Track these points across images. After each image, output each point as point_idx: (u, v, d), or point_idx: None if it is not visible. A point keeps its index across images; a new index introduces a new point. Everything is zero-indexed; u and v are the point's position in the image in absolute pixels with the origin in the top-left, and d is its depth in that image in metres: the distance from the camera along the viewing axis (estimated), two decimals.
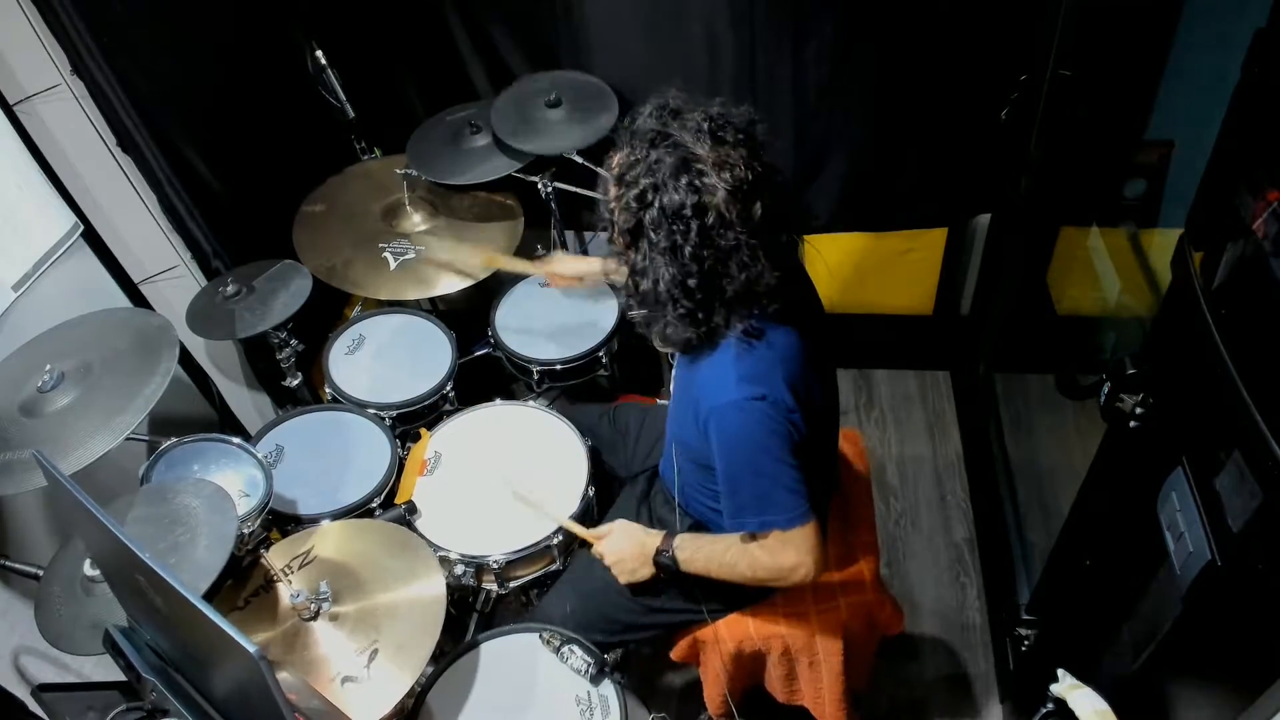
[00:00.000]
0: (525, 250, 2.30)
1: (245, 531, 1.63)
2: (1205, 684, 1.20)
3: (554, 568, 1.85)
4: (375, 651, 1.49)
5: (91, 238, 2.01)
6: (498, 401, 2.08)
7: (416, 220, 2.31)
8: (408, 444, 2.05)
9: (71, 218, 1.95)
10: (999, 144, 2.22)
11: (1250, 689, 1.02)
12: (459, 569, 1.79)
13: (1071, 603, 1.71)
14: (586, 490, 1.86)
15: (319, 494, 1.94)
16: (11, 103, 1.84)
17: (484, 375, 2.34)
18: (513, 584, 1.84)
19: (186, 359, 2.24)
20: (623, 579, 1.62)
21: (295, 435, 2.07)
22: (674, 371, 1.65)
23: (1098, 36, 1.81)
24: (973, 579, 2.42)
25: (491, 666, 1.66)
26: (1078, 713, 1.29)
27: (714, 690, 1.79)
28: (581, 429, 1.97)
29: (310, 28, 2.42)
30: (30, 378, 1.61)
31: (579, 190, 2.25)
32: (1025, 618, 1.97)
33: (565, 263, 2.10)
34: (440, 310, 2.58)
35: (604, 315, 2.28)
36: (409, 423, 2.14)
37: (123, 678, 1.29)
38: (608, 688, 1.61)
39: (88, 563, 1.47)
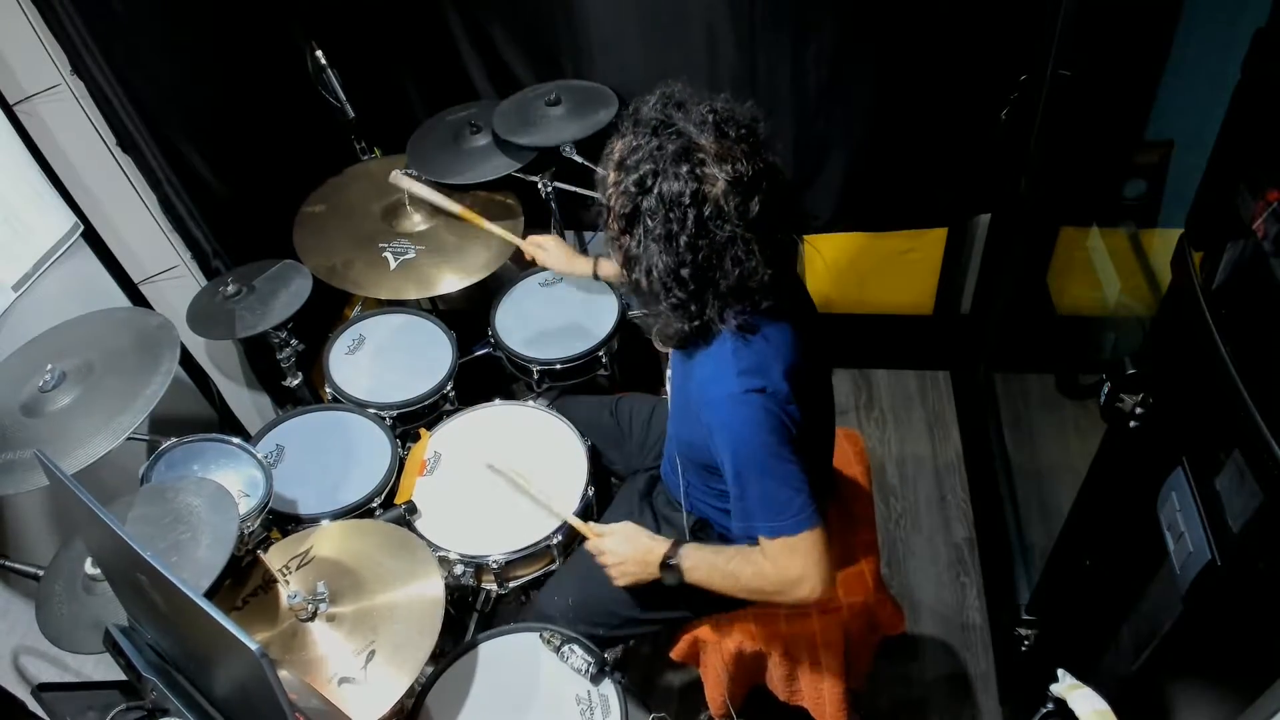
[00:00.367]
0: (530, 261, 2.31)
1: (245, 531, 1.63)
2: (1205, 684, 1.20)
3: (554, 567, 1.85)
4: (373, 652, 1.49)
5: (91, 238, 2.01)
6: (498, 401, 2.08)
7: (416, 220, 2.31)
8: (408, 444, 2.05)
9: (71, 218, 1.96)
10: (999, 144, 2.22)
11: (1250, 689, 1.02)
12: (458, 569, 1.80)
13: (1071, 603, 1.71)
14: (586, 490, 1.86)
15: (319, 494, 1.94)
16: (11, 103, 1.84)
17: (484, 375, 2.34)
18: (512, 584, 1.84)
19: (186, 359, 2.24)
20: (620, 581, 1.60)
21: (295, 435, 2.07)
22: (669, 371, 1.64)
23: (1098, 36, 1.81)
24: (973, 579, 2.42)
25: (491, 666, 1.66)
26: (1078, 713, 1.29)
27: (714, 690, 1.79)
28: (582, 423, 1.97)
29: (310, 28, 2.42)
30: (31, 377, 1.61)
31: (579, 190, 2.25)
32: (1025, 618, 1.97)
33: (555, 255, 2.09)
34: (440, 310, 2.58)
35: (604, 315, 2.28)
36: (409, 423, 2.14)
37: (123, 677, 1.29)
38: (608, 687, 1.61)
39: (88, 562, 1.47)
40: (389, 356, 2.26)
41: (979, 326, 2.65)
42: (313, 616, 1.54)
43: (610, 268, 2.06)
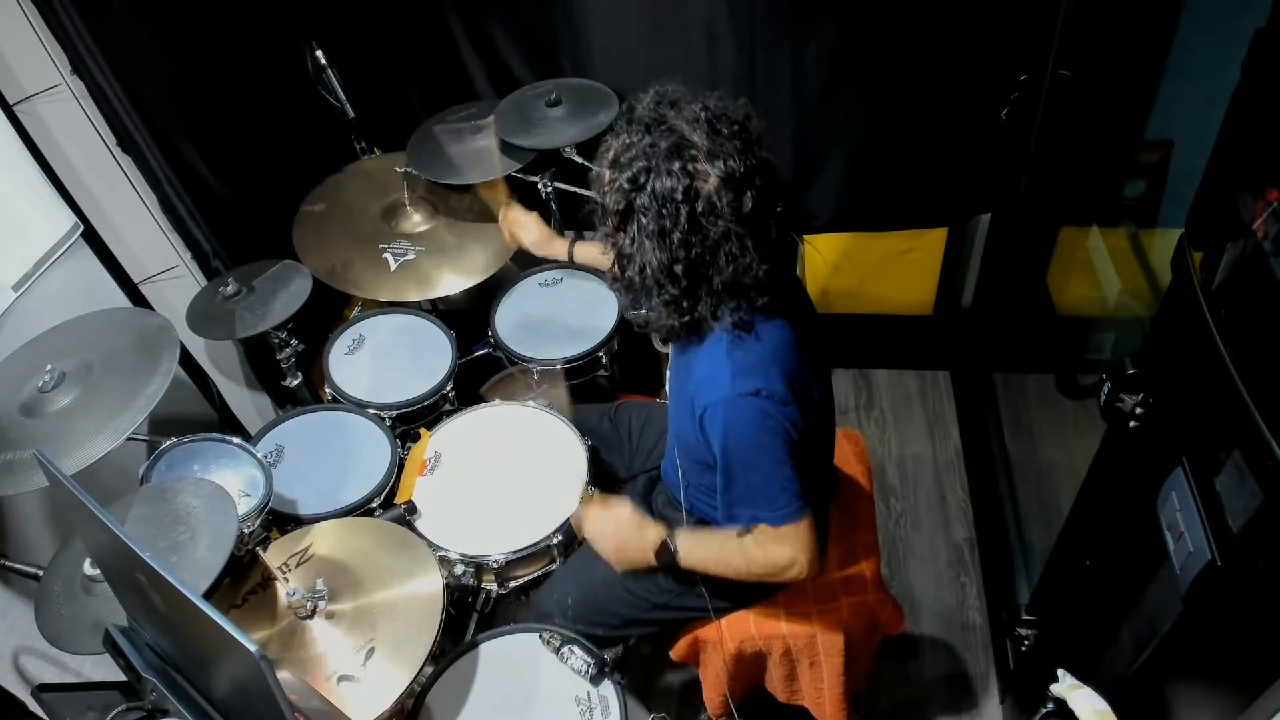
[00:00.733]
0: (530, 262, 2.33)
1: (245, 531, 1.63)
2: (1205, 684, 1.20)
3: (554, 567, 1.85)
4: (372, 650, 1.49)
5: (91, 238, 2.01)
6: (498, 401, 2.08)
7: (416, 220, 2.31)
8: (408, 444, 2.05)
9: (71, 218, 1.96)
10: (999, 144, 2.22)
11: (1250, 689, 1.02)
12: (458, 569, 1.80)
13: (1071, 603, 1.71)
14: (586, 490, 1.86)
15: (319, 494, 1.94)
16: (11, 103, 1.84)
17: (484, 375, 2.34)
18: (512, 584, 1.84)
19: (186, 359, 2.24)
20: (619, 567, 1.59)
21: (295, 435, 2.07)
22: (668, 369, 1.65)
23: (1098, 36, 1.81)
24: (973, 579, 2.42)
25: (491, 667, 1.66)
26: (1078, 713, 1.29)
27: (714, 691, 1.79)
28: (582, 429, 1.98)
29: (310, 28, 2.42)
30: (31, 378, 1.61)
31: (579, 190, 2.25)
32: (1025, 618, 1.97)
33: (530, 231, 2.09)
34: (440, 310, 2.58)
35: (604, 315, 2.28)
36: (409, 423, 2.14)
37: (123, 677, 1.29)
38: (608, 688, 1.61)
39: (88, 562, 1.47)
40: (389, 357, 2.26)
41: (979, 326, 2.65)
42: (312, 614, 1.54)
43: (587, 252, 2.05)
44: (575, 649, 1.63)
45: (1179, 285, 1.20)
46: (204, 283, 2.24)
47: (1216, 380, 1.05)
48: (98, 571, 1.46)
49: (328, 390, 2.18)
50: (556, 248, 2.09)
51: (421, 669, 1.49)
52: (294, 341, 2.18)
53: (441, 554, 1.78)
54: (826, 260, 2.57)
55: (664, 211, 1.29)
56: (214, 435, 1.80)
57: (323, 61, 2.43)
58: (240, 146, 2.29)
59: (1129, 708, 1.27)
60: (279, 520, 1.87)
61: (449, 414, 2.08)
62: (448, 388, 2.16)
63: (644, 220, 1.31)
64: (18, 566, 1.61)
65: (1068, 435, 2.19)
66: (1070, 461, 2.04)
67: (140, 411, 1.55)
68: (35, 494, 1.58)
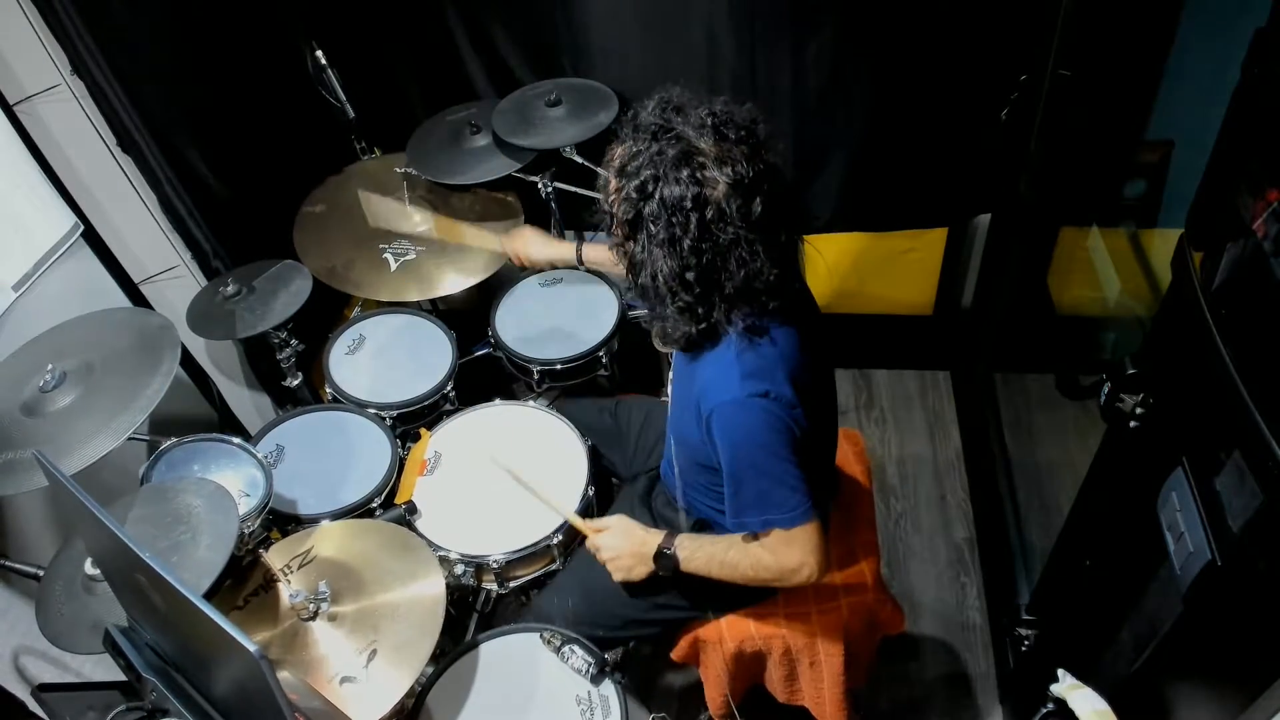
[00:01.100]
0: None
1: (245, 531, 1.63)
2: (1205, 684, 1.20)
3: (554, 567, 1.85)
4: (374, 652, 1.49)
5: (91, 238, 2.01)
6: (498, 401, 2.08)
7: (416, 221, 2.31)
8: (408, 444, 2.05)
9: (71, 218, 1.96)
10: (999, 144, 2.22)
11: (1250, 689, 1.02)
12: (459, 569, 1.80)
13: (1071, 603, 1.71)
14: (586, 489, 1.86)
15: (319, 494, 1.94)
16: (11, 103, 1.84)
17: (484, 375, 2.34)
18: (513, 584, 1.84)
19: (186, 359, 2.24)
20: (617, 576, 1.62)
21: (295, 435, 2.07)
22: (672, 371, 1.64)
23: (1098, 36, 1.81)
24: (973, 579, 2.42)
25: (491, 667, 1.66)
26: (1078, 713, 1.29)
27: (714, 690, 1.79)
28: (582, 425, 1.97)
29: (310, 28, 2.42)
30: (31, 377, 1.61)
31: (579, 190, 2.25)
32: (1025, 618, 1.97)
33: (534, 244, 2.09)
34: (440, 310, 2.58)
35: (604, 315, 2.28)
36: (409, 423, 2.14)
37: (123, 678, 1.29)
38: (608, 688, 1.61)
39: (88, 562, 1.47)
40: (389, 356, 2.26)
41: (979, 326, 2.65)
42: (314, 616, 1.54)
43: (596, 254, 2.05)
44: (575, 649, 1.63)
45: (1179, 285, 1.20)
46: (204, 283, 2.23)
47: (1216, 380, 1.05)
48: (98, 571, 1.46)
49: (328, 390, 2.18)
50: (564, 252, 2.09)
51: (422, 669, 1.49)
52: (294, 341, 2.18)
53: (442, 554, 1.78)
54: (826, 260, 2.56)
55: (674, 220, 1.28)
56: (214, 435, 1.80)
57: (323, 61, 2.43)
58: (240, 146, 2.29)
59: (1129, 708, 1.27)
60: (279, 520, 1.87)
61: (449, 414, 2.08)
62: (448, 388, 2.16)
63: (654, 229, 1.31)
64: (18, 566, 1.61)
65: (1068, 435, 2.19)
66: (1070, 461, 2.05)
67: (141, 411, 1.55)
68: (35, 494, 1.58)
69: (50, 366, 1.60)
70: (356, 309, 2.52)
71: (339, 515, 1.87)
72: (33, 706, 1.59)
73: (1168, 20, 1.80)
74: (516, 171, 2.24)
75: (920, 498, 2.61)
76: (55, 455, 1.44)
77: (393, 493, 1.94)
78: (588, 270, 2.25)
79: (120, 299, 2.11)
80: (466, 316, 2.44)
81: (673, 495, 1.71)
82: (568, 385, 2.26)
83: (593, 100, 2.24)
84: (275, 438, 2.06)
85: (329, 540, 1.70)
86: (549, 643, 1.65)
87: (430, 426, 2.07)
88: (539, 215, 2.38)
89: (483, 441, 1.98)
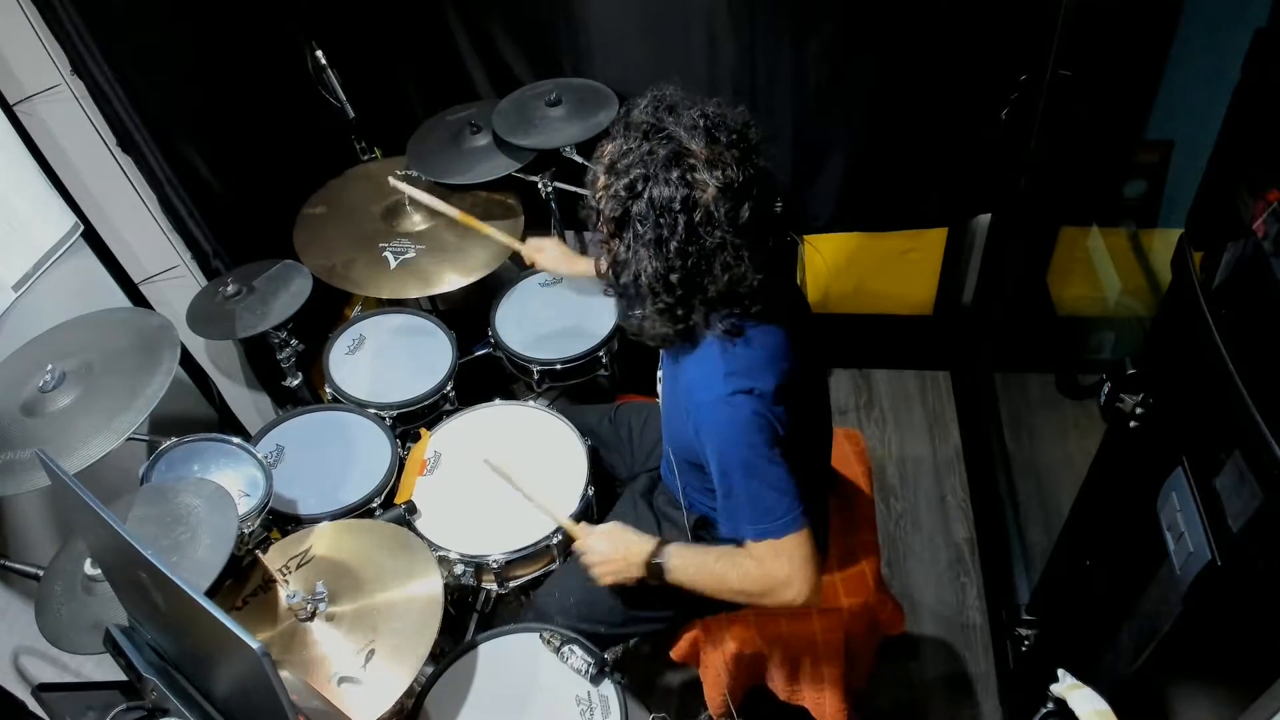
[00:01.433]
0: None
1: (245, 531, 1.63)
2: (1205, 684, 1.21)
3: (554, 567, 1.85)
4: (372, 651, 1.49)
5: (91, 238, 2.01)
6: (498, 401, 2.08)
7: (416, 220, 2.31)
8: (408, 444, 2.05)
9: (71, 218, 1.96)
10: (999, 144, 2.23)
11: (1250, 689, 1.02)
12: (458, 569, 1.80)
13: (1071, 603, 1.71)
14: (586, 490, 1.86)
15: (319, 494, 1.94)
16: (11, 103, 1.84)
17: (484, 375, 2.35)
18: (512, 584, 1.84)
19: (186, 359, 2.24)
20: (603, 581, 1.59)
21: (295, 435, 2.07)
22: (660, 373, 1.64)
23: (1098, 36, 1.82)
24: (973, 579, 2.42)
25: (491, 666, 1.66)
26: (1078, 713, 1.29)
27: (714, 690, 1.79)
28: (582, 430, 1.97)
29: (310, 28, 2.42)
30: (31, 377, 1.61)
31: (579, 190, 2.25)
32: (1025, 618, 1.97)
33: (554, 257, 2.09)
34: (440, 310, 2.58)
35: (604, 315, 2.28)
36: (409, 423, 2.14)
37: (123, 677, 1.29)
38: (608, 688, 1.60)
39: (88, 562, 1.47)
40: (389, 356, 2.26)
41: (979, 326, 2.65)
42: (312, 616, 1.54)
43: None
44: (575, 648, 1.63)
45: (1179, 285, 1.20)
46: (204, 283, 2.24)
47: (1216, 380, 1.05)
48: (98, 571, 1.46)
49: (328, 390, 2.18)
50: (581, 266, 2.08)
51: (421, 669, 1.49)
52: (294, 341, 2.18)
53: (441, 554, 1.78)
54: (826, 260, 2.57)
55: (661, 220, 1.28)
56: (214, 435, 1.80)
57: (323, 61, 2.43)
58: (240, 147, 2.29)
59: (1129, 708, 1.27)
60: (279, 520, 1.87)
61: (449, 414, 2.08)
62: (448, 388, 2.16)
63: (640, 228, 1.30)
64: (18, 566, 1.61)
65: (1068, 435, 2.19)
66: (1070, 461, 2.05)
67: (140, 411, 1.55)
68: (35, 494, 1.58)
69: (50, 366, 1.60)
70: (357, 309, 2.52)
71: (339, 515, 1.87)
72: (33, 706, 1.59)
73: (1168, 20, 1.81)
74: (516, 171, 2.24)
75: (920, 498, 2.61)
76: (55, 455, 1.43)
77: (393, 493, 1.94)
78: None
79: (120, 299, 2.11)
80: (466, 316, 2.44)
81: (674, 495, 1.71)
82: (568, 385, 2.26)
83: (593, 100, 2.25)
84: (275, 438, 2.06)
85: (326, 540, 1.70)
86: (548, 643, 1.65)
87: (430, 426, 2.07)
88: (539, 215, 2.38)
89: (477, 445, 1.98)
